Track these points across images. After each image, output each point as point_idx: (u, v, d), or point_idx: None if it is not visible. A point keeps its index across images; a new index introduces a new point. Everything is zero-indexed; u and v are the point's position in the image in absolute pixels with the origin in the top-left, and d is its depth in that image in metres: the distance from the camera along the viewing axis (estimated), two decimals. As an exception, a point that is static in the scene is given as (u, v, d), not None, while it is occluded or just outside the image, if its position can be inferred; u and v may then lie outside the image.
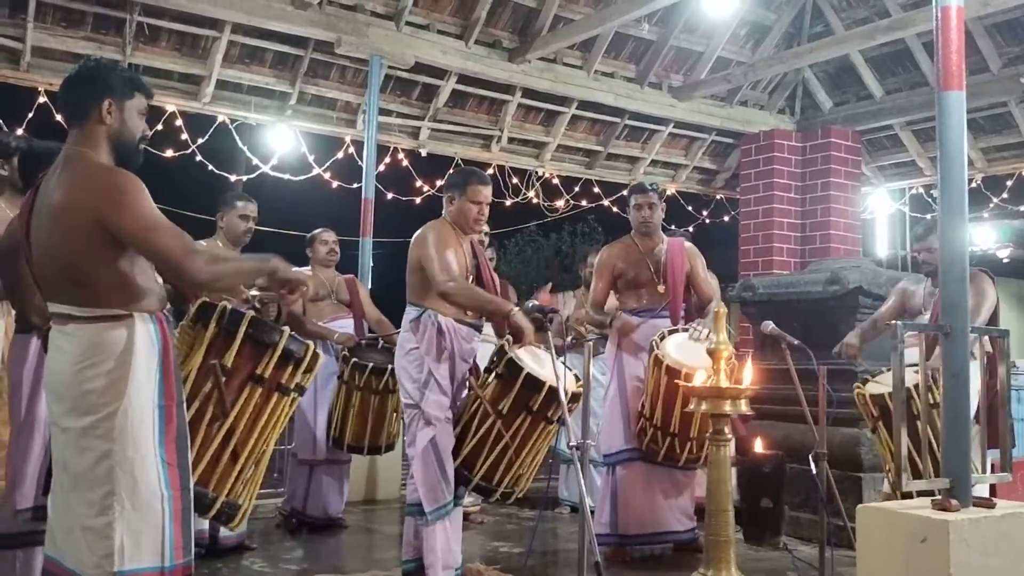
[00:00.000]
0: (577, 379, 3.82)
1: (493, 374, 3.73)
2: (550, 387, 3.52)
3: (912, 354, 3.38)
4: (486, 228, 5.30)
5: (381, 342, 5.15)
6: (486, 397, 3.68)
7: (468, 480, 3.74)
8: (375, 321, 5.32)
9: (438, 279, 3.61)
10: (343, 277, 5.40)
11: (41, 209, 2.42)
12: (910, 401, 3.81)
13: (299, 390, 2.99)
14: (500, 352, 3.74)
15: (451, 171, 4.26)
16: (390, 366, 4.77)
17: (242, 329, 2.82)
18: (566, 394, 3.48)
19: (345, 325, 5.23)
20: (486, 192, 3.86)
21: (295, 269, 5.31)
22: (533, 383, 3.62)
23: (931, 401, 3.36)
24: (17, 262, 2.70)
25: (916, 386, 3.49)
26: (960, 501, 2.83)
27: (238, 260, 2.51)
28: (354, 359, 4.85)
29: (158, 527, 2.34)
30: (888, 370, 4.27)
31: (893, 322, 3.10)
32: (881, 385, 4.19)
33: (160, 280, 2.56)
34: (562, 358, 3.70)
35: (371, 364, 4.82)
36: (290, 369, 2.92)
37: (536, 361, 3.75)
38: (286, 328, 2.95)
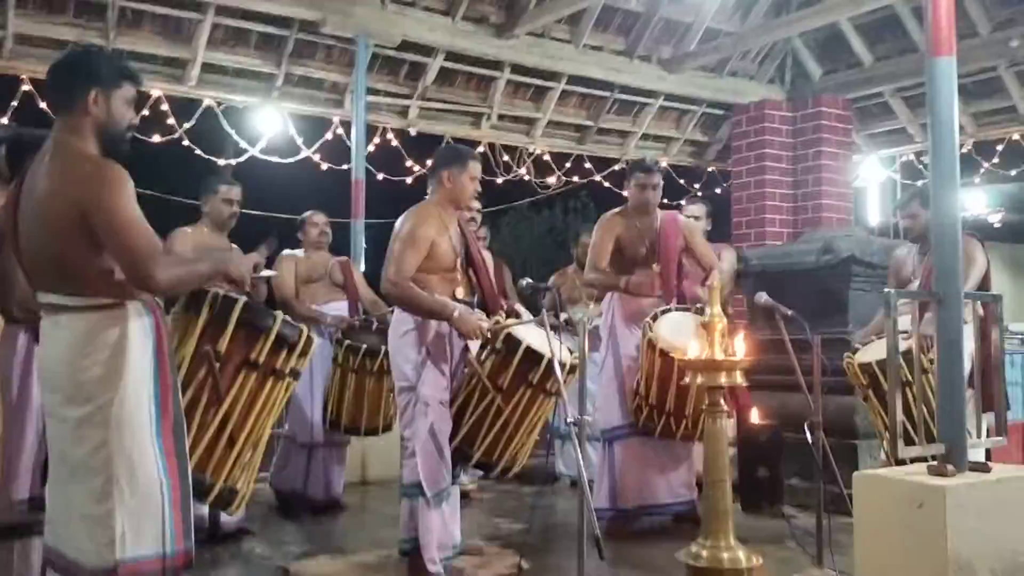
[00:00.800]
0: (572, 352, 3.83)
1: (490, 349, 3.73)
2: (550, 359, 3.52)
3: (904, 322, 3.39)
4: (478, 205, 5.28)
5: (375, 323, 5.15)
6: (484, 373, 3.69)
7: (468, 457, 3.75)
8: (370, 302, 5.32)
9: (386, 278, 3.65)
10: (337, 259, 5.40)
11: (28, 199, 2.40)
12: (901, 368, 3.83)
13: (294, 374, 2.99)
14: (496, 326, 3.74)
15: (440, 149, 4.24)
16: (384, 347, 4.78)
17: (234, 315, 2.81)
18: (562, 366, 3.49)
19: (339, 307, 5.23)
20: (480, 169, 3.92)
21: (286, 252, 5.30)
22: (532, 356, 3.63)
23: (923, 367, 3.38)
24: (1, 254, 2.68)
25: (907, 352, 3.50)
26: (956, 466, 2.85)
27: (195, 264, 2.51)
28: (347, 342, 4.86)
29: (158, 514, 2.34)
30: (877, 339, 4.30)
31: (886, 290, 3.11)
32: (870, 353, 4.21)
33: None
34: (556, 334, 3.70)
35: (364, 346, 4.83)
36: (284, 353, 2.92)
37: (531, 335, 3.75)
38: (279, 313, 2.95)
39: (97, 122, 2.42)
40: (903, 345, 3.58)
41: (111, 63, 2.51)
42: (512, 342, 3.66)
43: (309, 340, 2.98)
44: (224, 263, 2.58)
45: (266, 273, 4.15)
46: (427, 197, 3.89)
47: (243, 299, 2.88)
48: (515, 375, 3.67)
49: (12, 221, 2.45)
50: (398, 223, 3.77)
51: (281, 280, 5.01)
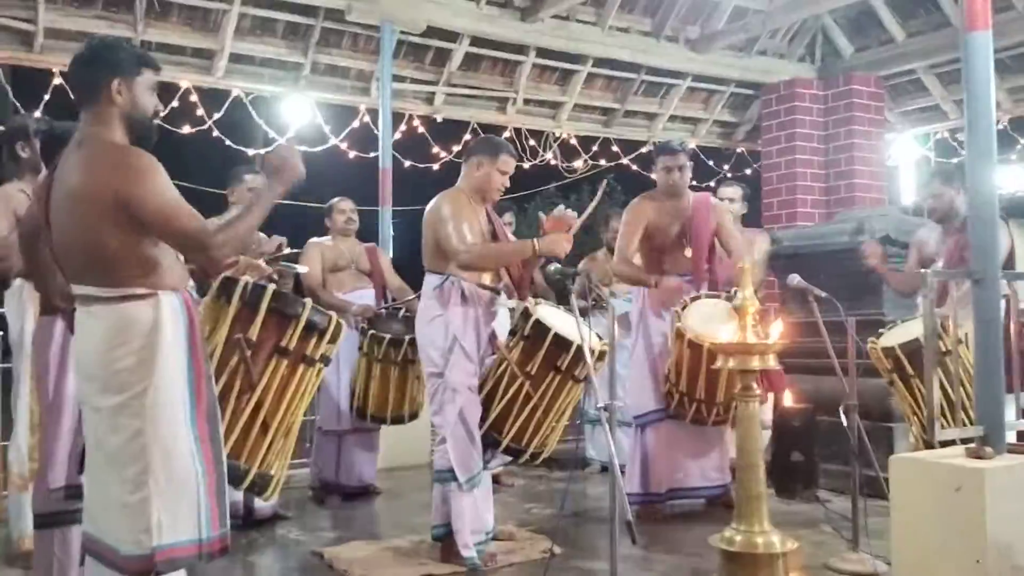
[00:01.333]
0: (600, 338, 3.83)
1: (519, 336, 3.73)
2: (578, 346, 3.51)
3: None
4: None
5: (402, 311, 5.15)
6: (513, 359, 3.69)
7: (497, 443, 3.76)
8: (397, 289, 5.33)
9: (456, 251, 3.62)
10: (364, 246, 5.40)
11: (59, 192, 2.42)
12: (920, 350, 3.79)
13: (324, 360, 3.01)
14: (525, 314, 3.74)
15: (480, 137, 4.25)
16: (408, 336, 4.79)
17: (264, 302, 2.83)
18: (592, 353, 3.48)
19: (366, 295, 5.23)
20: (513, 164, 3.91)
21: (313, 240, 5.30)
22: (561, 342, 3.63)
23: (943, 349, 3.32)
24: (38, 245, 2.71)
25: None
26: (994, 448, 2.81)
27: (244, 219, 2.46)
28: (372, 331, 4.85)
29: (193, 500, 2.37)
30: (902, 322, 4.25)
31: (920, 271, 3.06)
32: (893, 337, 4.16)
33: (181, 257, 2.56)
34: (585, 319, 3.70)
35: (388, 336, 4.82)
36: (314, 340, 2.94)
37: (560, 321, 3.75)
38: (308, 300, 2.97)
39: (123, 111, 2.45)
40: (924, 327, 3.53)
41: (128, 51, 2.52)
42: (541, 328, 3.67)
43: (339, 326, 3.00)
44: (271, 197, 2.49)
45: (297, 268, 4.20)
46: (458, 182, 3.90)
47: (272, 287, 2.90)
48: (544, 361, 3.67)
49: (44, 214, 2.48)
50: (432, 207, 3.78)
51: (308, 269, 5.03)
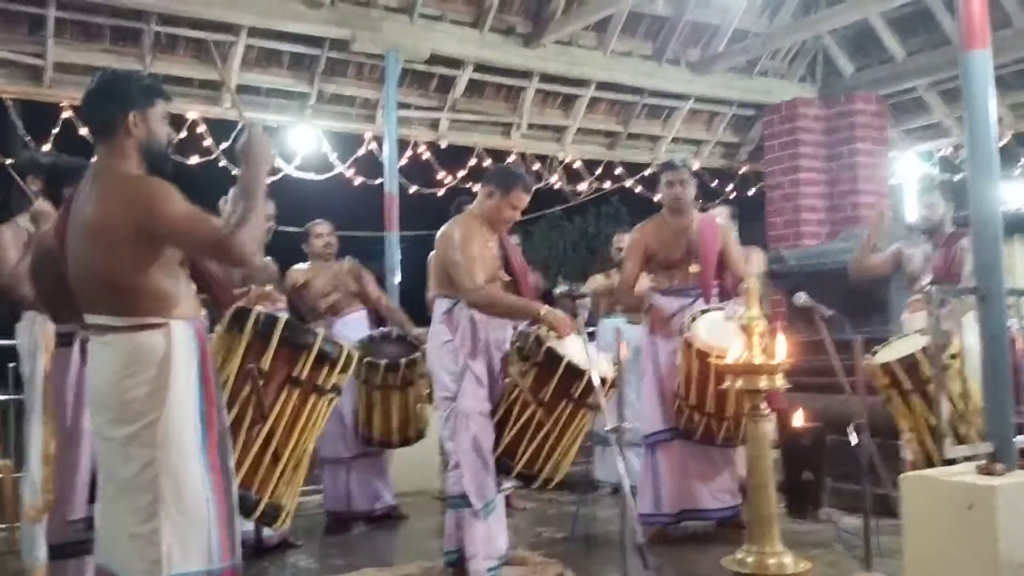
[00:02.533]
0: (613, 364, 3.84)
1: (531, 362, 3.74)
2: (591, 375, 3.51)
3: (917, 319, 3.35)
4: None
5: (395, 332, 5.13)
6: (526, 386, 3.70)
7: (510, 469, 3.76)
8: (385, 307, 5.28)
9: (467, 290, 3.64)
10: (347, 265, 5.32)
11: (75, 223, 2.46)
12: (919, 366, 3.80)
13: (336, 390, 3.02)
14: (537, 341, 3.75)
15: (498, 167, 4.26)
16: (403, 360, 4.79)
17: (277, 333, 2.85)
18: (604, 381, 3.49)
19: (359, 317, 5.22)
20: (526, 199, 3.91)
21: (297, 267, 5.28)
22: (574, 371, 3.63)
23: (945, 365, 3.33)
24: (52, 275, 2.74)
25: (924, 350, 3.46)
26: (1005, 465, 2.80)
27: (251, 208, 2.41)
28: (367, 358, 4.79)
29: (204, 531, 2.37)
30: (895, 339, 4.25)
31: (926, 288, 3.07)
32: (888, 353, 4.15)
33: (194, 288, 2.59)
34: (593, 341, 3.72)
35: (384, 361, 4.78)
36: (326, 370, 2.95)
37: (569, 346, 3.75)
38: (320, 330, 2.99)
39: (139, 143, 2.48)
40: (921, 342, 3.54)
41: (141, 83, 2.56)
42: (553, 357, 3.67)
43: (350, 356, 3.02)
44: (255, 184, 2.44)
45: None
46: (472, 206, 3.92)
47: (285, 317, 2.92)
48: (556, 389, 3.67)
49: (60, 245, 2.51)
50: (445, 232, 3.79)
51: (293, 288, 5.02)
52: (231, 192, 4.53)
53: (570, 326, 3.65)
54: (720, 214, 5.52)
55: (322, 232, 5.26)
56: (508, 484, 4.95)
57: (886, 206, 4.72)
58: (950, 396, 3.35)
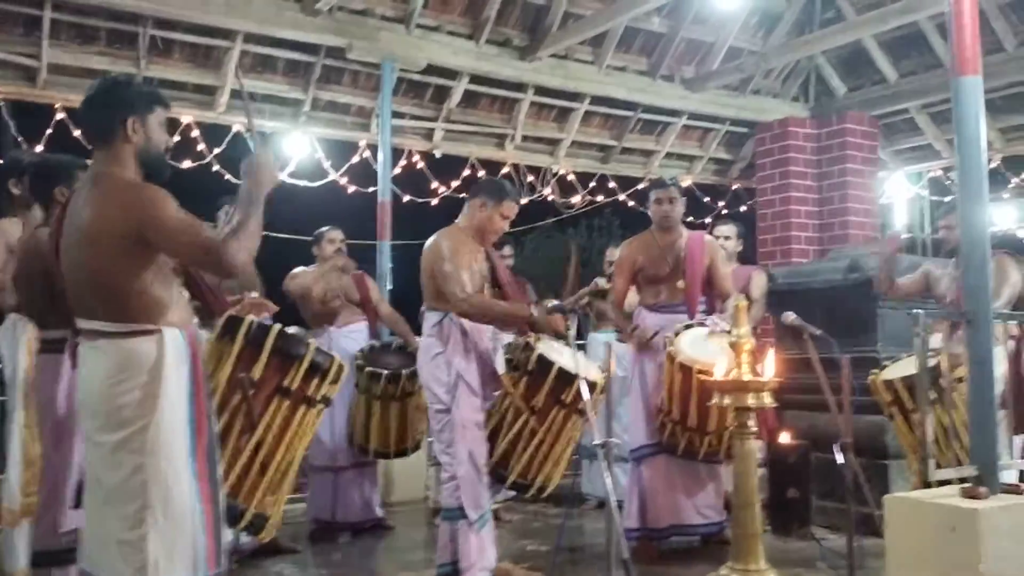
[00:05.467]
0: (602, 371, 3.86)
1: (522, 371, 3.75)
2: (580, 382, 3.52)
3: (935, 339, 3.36)
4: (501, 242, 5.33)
5: (395, 343, 5.14)
6: (518, 395, 3.71)
7: (504, 479, 3.76)
8: (387, 316, 5.29)
9: (456, 299, 3.66)
10: (351, 275, 5.33)
11: (71, 227, 2.46)
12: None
13: (325, 402, 3.02)
14: (526, 348, 3.76)
15: (487, 179, 4.30)
16: (405, 371, 4.79)
17: (269, 342, 2.85)
18: (592, 385, 3.51)
19: (360, 328, 5.21)
20: (516, 209, 3.94)
21: (301, 269, 5.26)
22: (565, 377, 3.65)
23: (949, 387, 3.34)
24: (39, 281, 2.73)
25: (934, 370, 3.46)
26: (989, 488, 2.82)
27: (248, 221, 2.42)
28: (368, 368, 4.80)
29: (190, 539, 2.37)
30: (907, 356, 4.26)
31: (915, 311, 3.09)
32: (894, 370, 4.17)
33: (187, 295, 2.58)
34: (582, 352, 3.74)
35: (386, 372, 4.79)
36: (316, 381, 2.94)
37: (559, 354, 3.78)
38: (312, 340, 2.98)
39: (138, 149, 2.49)
40: (917, 366, 3.55)
41: (140, 90, 2.57)
42: (544, 364, 3.69)
43: (340, 368, 3.01)
44: (255, 200, 2.45)
45: (294, 330, 4.20)
46: (458, 219, 3.93)
47: (277, 327, 2.92)
48: (548, 396, 3.69)
49: (55, 249, 2.51)
50: (431, 245, 3.81)
51: (296, 292, 5.00)
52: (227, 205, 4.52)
53: (559, 323, 3.68)
54: (725, 232, 5.51)
55: (335, 238, 5.28)
56: (498, 496, 4.98)
57: (898, 239, 4.66)
58: (959, 417, 3.37)
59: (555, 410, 3.69)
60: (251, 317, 2.93)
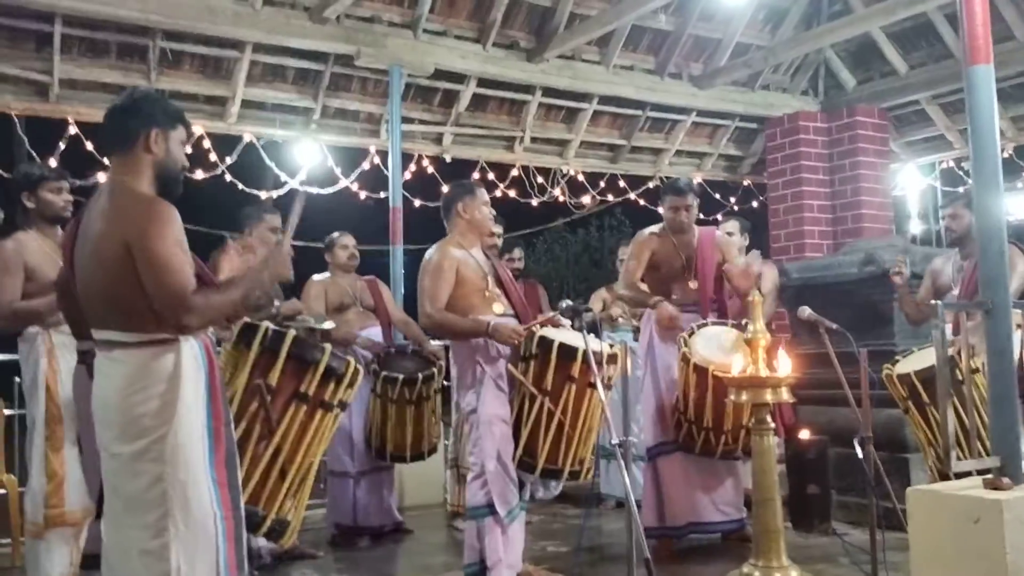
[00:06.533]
0: (611, 344, 3.87)
1: (527, 356, 3.77)
2: (584, 350, 3.52)
3: (947, 331, 3.32)
4: (499, 230, 5.34)
5: (411, 347, 5.15)
6: (529, 380, 3.73)
7: (533, 468, 3.76)
8: (401, 322, 5.30)
9: (423, 313, 3.81)
10: (365, 280, 5.35)
11: (84, 238, 2.47)
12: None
13: (342, 406, 3.02)
14: (529, 336, 3.78)
15: (450, 185, 4.30)
16: (421, 374, 4.81)
17: (284, 348, 2.86)
18: (602, 356, 3.53)
19: (373, 333, 5.20)
20: (486, 194, 4.07)
21: (315, 277, 5.30)
22: (567, 351, 3.67)
23: (959, 378, 3.32)
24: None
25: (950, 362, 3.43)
26: (1012, 479, 2.80)
27: (225, 295, 2.47)
28: (384, 372, 4.82)
29: (212, 547, 2.37)
30: (919, 349, 4.24)
31: (933, 302, 3.07)
32: (909, 364, 4.14)
33: None
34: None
35: (402, 376, 4.80)
36: (332, 386, 2.95)
37: (563, 334, 3.81)
38: (327, 345, 2.99)
39: (156, 161, 2.50)
40: (936, 358, 3.51)
41: (167, 105, 2.60)
42: (545, 343, 3.71)
43: (356, 371, 3.02)
44: (256, 281, 2.53)
45: (324, 325, 4.23)
46: (448, 235, 3.99)
47: (293, 332, 2.93)
48: (556, 374, 3.70)
49: (68, 260, 2.53)
50: (426, 257, 3.90)
51: (309, 306, 4.97)
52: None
53: (518, 332, 3.73)
54: (729, 228, 5.49)
55: (347, 244, 5.29)
56: (543, 493, 4.94)
57: (902, 264, 4.62)
58: (977, 408, 3.34)
59: (567, 386, 3.70)
60: (266, 324, 2.94)
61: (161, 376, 2.37)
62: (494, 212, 4.07)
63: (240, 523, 2.47)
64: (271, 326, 2.91)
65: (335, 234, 5.35)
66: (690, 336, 4.34)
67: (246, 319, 2.90)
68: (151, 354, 2.39)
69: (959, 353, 3.31)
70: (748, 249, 5.73)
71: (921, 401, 4.00)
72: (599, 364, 3.52)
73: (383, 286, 5.46)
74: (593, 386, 3.68)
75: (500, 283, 4.02)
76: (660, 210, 4.88)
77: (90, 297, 2.47)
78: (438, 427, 5.13)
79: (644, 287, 4.77)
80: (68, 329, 3.70)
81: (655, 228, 4.81)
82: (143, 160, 2.49)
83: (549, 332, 3.79)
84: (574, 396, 3.73)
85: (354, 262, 5.30)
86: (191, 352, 2.43)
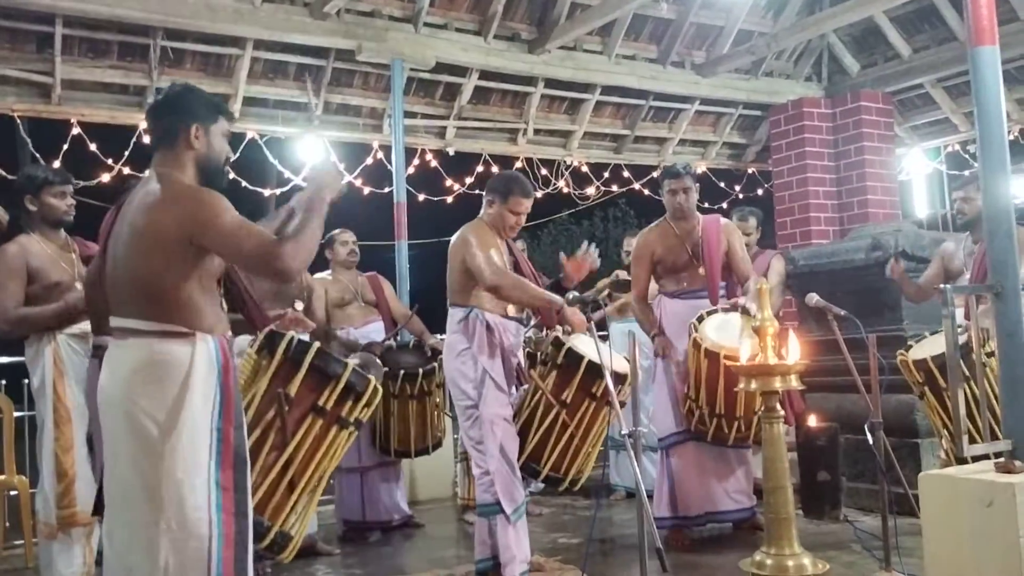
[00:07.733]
0: (628, 361, 3.85)
1: (551, 365, 3.75)
2: (613, 372, 3.52)
3: (957, 315, 3.30)
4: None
5: (412, 341, 5.14)
6: (547, 388, 3.71)
7: (537, 473, 3.77)
8: (402, 316, 5.29)
9: (487, 274, 3.63)
10: (366, 276, 5.34)
11: (122, 226, 2.47)
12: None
13: (357, 424, 2.98)
14: (556, 343, 3.76)
15: (497, 175, 4.23)
16: (422, 368, 4.80)
17: (308, 359, 2.84)
18: (623, 377, 3.50)
19: (376, 328, 5.21)
20: (527, 204, 3.88)
21: (316, 276, 5.26)
22: (595, 370, 3.65)
23: (975, 362, 3.30)
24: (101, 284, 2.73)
25: (963, 347, 3.42)
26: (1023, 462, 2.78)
27: (309, 222, 2.47)
28: (385, 368, 4.76)
29: (202, 548, 2.31)
30: (931, 334, 4.22)
31: (941, 286, 3.06)
32: (924, 349, 4.13)
33: (226, 307, 2.57)
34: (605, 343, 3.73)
35: (403, 371, 4.81)
36: (350, 403, 2.92)
37: (591, 348, 3.78)
38: (350, 361, 2.96)
39: (198, 155, 2.51)
40: (946, 343, 3.50)
41: (206, 99, 2.61)
42: (574, 357, 3.69)
43: (376, 391, 2.99)
44: (319, 201, 2.53)
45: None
46: (480, 213, 3.95)
47: (316, 344, 2.90)
48: (579, 389, 3.69)
49: (103, 245, 2.52)
50: (458, 237, 3.83)
51: (311, 307, 4.93)
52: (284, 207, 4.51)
53: (582, 327, 3.66)
54: (744, 228, 5.46)
55: (347, 240, 5.28)
56: (532, 488, 4.96)
57: (899, 268, 4.62)
58: (990, 393, 3.33)
59: (586, 403, 3.70)
60: (291, 333, 2.92)
61: (171, 369, 2.35)
62: (521, 224, 3.90)
63: (245, 529, 2.40)
64: (297, 336, 2.88)
65: (335, 231, 5.34)
66: (700, 322, 4.33)
67: (272, 327, 2.88)
68: (165, 346, 2.36)
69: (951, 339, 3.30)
70: (760, 240, 5.73)
71: (938, 386, 3.98)
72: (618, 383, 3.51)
73: (384, 281, 5.45)
74: (610, 404, 3.67)
75: (519, 273, 3.99)
76: (663, 201, 4.86)
77: (118, 282, 2.46)
78: (443, 421, 5.12)
79: (654, 287, 4.79)
80: (75, 329, 3.73)
81: (655, 223, 4.80)
82: (186, 155, 2.50)
83: (578, 345, 3.75)
84: (591, 412, 3.73)
85: (354, 258, 5.29)
86: (205, 349, 2.40)
